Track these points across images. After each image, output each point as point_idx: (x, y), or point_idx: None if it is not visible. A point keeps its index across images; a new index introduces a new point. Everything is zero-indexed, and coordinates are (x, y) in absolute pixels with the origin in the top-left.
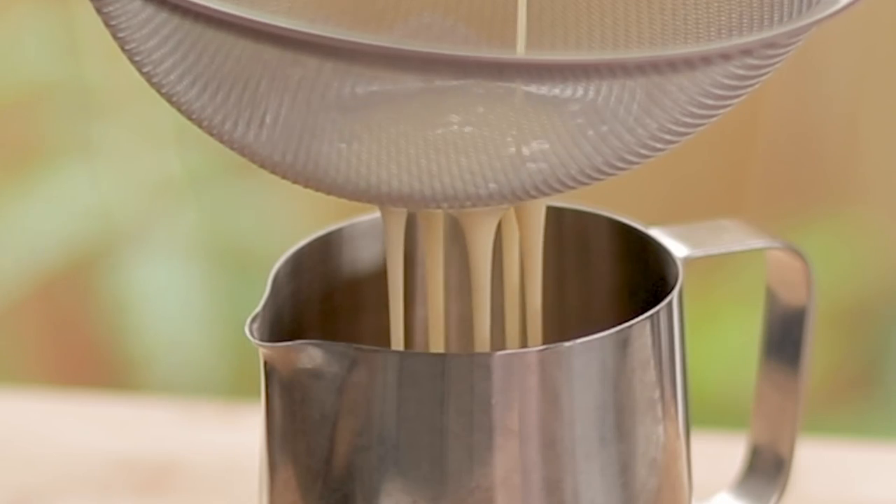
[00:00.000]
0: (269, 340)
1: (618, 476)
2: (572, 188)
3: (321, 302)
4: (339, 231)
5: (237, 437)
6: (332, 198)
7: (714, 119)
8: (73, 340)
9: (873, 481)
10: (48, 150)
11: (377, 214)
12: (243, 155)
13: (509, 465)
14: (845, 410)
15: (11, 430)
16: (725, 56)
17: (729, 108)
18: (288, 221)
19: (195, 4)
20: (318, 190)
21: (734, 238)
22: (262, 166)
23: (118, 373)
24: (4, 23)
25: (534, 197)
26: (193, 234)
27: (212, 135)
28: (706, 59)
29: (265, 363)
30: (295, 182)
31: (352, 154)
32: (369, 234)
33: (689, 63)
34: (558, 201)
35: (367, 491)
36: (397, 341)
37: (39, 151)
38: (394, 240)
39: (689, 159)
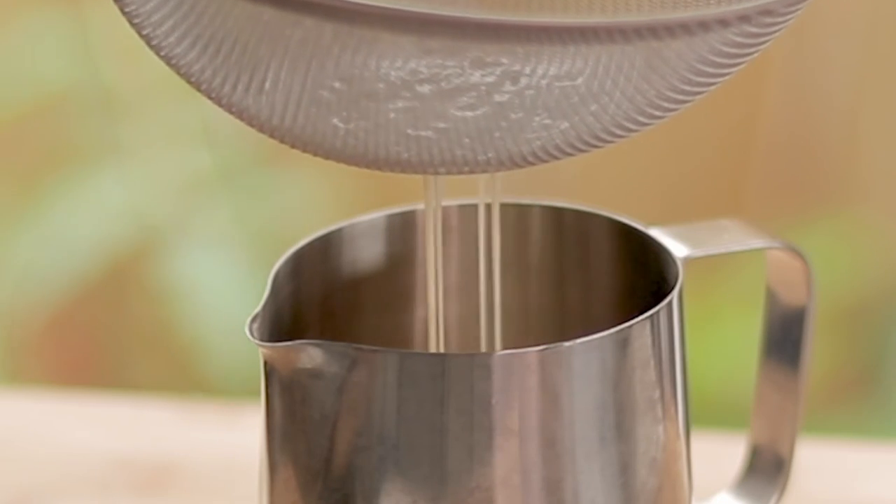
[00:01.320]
0: (269, 340)
1: (618, 476)
2: (571, 155)
3: (321, 302)
4: (339, 231)
5: (237, 437)
6: (360, 182)
7: (712, 87)
8: (112, 342)
9: (873, 481)
10: (78, 154)
11: (377, 214)
12: (241, 118)
13: (509, 465)
14: (845, 410)
15: (11, 430)
16: (723, 22)
17: (727, 77)
18: (320, 205)
19: None
20: (316, 154)
21: (734, 238)
22: (261, 130)
23: (168, 367)
24: (19, 30)
25: (532, 164)
26: (227, 228)
27: (210, 97)
28: (704, 25)
29: (265, 363)
30: (293, 146)
31: (350, 122)
32: (369, 234)
33: (686, 28)
34: (558, 201)
35: (367, 491)
36: (434, 338)
37: (69, 156)
38: (431, 230)
39: (689, 159)
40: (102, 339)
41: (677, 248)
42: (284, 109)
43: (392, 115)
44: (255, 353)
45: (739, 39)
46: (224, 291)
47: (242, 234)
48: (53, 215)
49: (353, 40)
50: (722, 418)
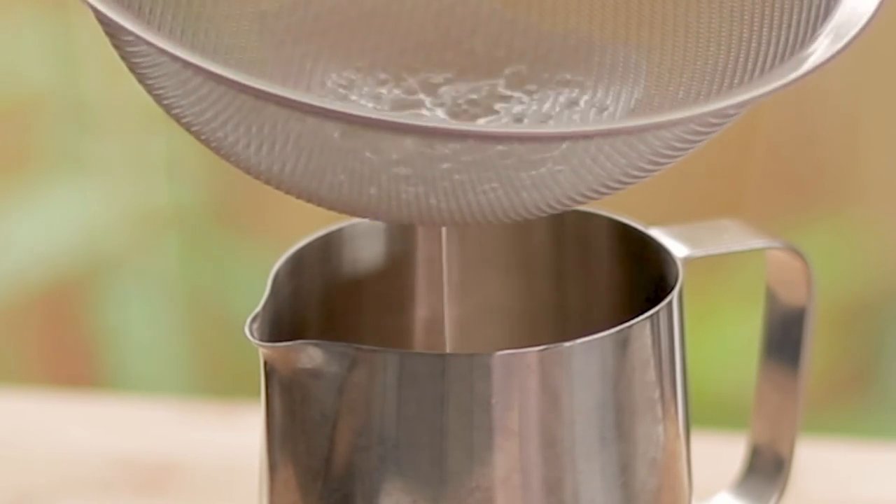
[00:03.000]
0: (269, 340)
1: (618, 476)
2: (523, 218)
3: (321, 302)
4: (339, 231)
5: (237, 437)
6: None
7: (665, 167)
8: (61, 354)
9: (872, 481)
10: (40, 162)
11: None
12: (238, 166)
13: (509, 465)
14: (844, 410)
15: (11, 430)
16: (659, 127)
17: (676, 161)
18: (266, 263)
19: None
20: (309, 201)
21: (734, 238)
22: (257, 177)
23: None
24: (2, 28)
25: (491, 221)
26: (170, 274)
27: (198, 137)
28: (641, 130)
29: (265, 363)
30: (288, 193)
31: (353, 183)
32: (369, 234)
33: (626, 134)
34: None
35: (367, 491)
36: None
37: (31, 162)
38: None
39: (690, 159)
40: (34, 356)
41: (677, 248)
42: (285, 164)
43: (395, 183)
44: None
45: (685, 136)
46: (153, 336)
47: (184, 281)
48: (5, 219)
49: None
50: (722, 418)
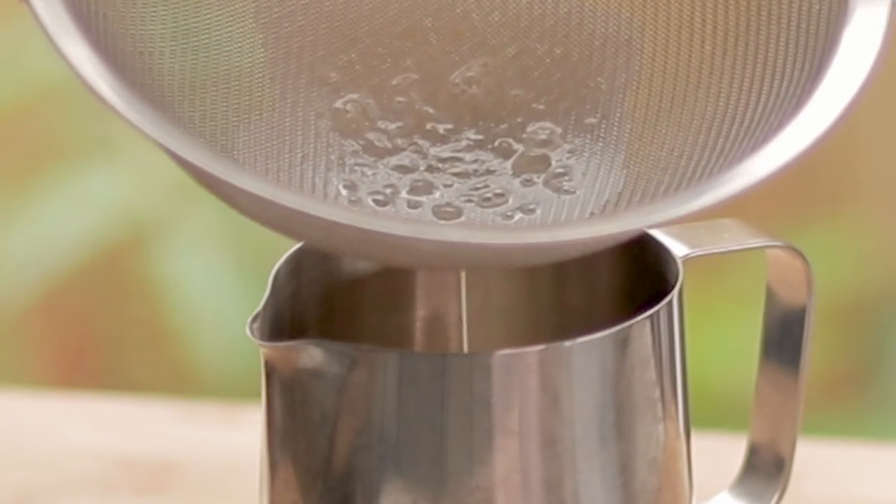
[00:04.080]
0: (270, 340)
1: (618, 476)
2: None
3: (321, 302)
4: None
5: (237, 437)
6: None
7: None
8: (98, 337)
9: (871, 481)
10: (71, 148)
11: None
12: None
13: (509, 465)
14: (843, 410)
15: (11, 430)
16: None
17: None
18: None
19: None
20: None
21: (734, 237)
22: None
23: (150, 365)
24: (14, 24)
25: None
26: (214, 227)
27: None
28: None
29: (266, 363)
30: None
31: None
32: None
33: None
34: None
35: (367, 491)
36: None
37: (63, 149)
38: None
39: None
40: (91, 334)
41: (677, 248)
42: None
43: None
44: (242, 349)
45: None
46: (209, 288)
47: (228, 232)
48: (43, 210)
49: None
50: (722, 418)
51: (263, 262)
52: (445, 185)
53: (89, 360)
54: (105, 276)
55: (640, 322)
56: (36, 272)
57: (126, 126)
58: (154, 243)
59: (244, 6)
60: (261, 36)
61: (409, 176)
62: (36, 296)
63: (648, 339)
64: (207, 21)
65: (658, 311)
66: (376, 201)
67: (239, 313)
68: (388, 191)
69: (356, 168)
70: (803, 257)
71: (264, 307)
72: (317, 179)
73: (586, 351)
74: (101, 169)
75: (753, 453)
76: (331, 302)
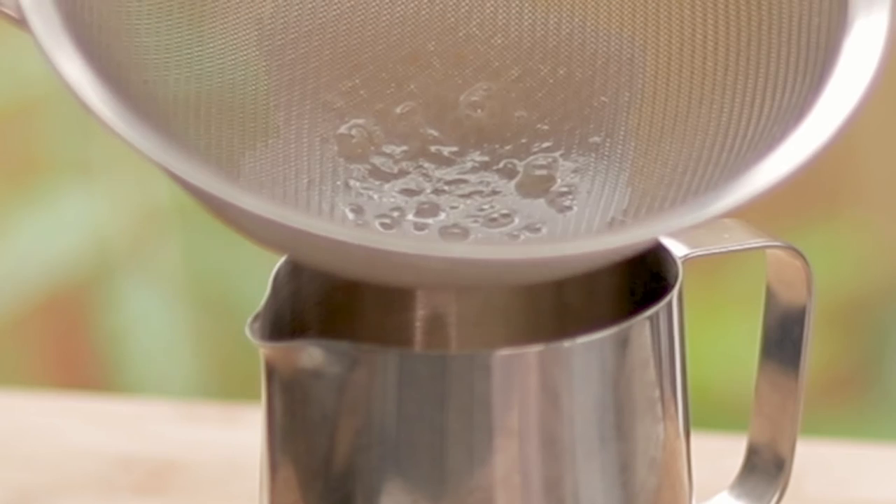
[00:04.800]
0: (270, 340)
1: (617, 475)
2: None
3: (321, 302)
4: None
5: (237, 437)
6: None
7: None
8: (68, 358)
9: (871, 481)
10: (45, 165)
11: None
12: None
13: (509, 465)
14: (843, 410)
15: (11, 430)
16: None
17: None
18: (270, 261)
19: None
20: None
21: (734, 237)
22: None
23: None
24: (4, 35)
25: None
26: (177, 267)
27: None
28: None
29: (266, 363)
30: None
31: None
32: None
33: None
34: None
35: (367, 491)
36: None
37: (36, 165)
38: None
39: None
40: (51, 351)
41: (677, 248)
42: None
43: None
44: (191, 393)
45: None
46: (164, 329)
47: (187, 279)
48: (11, 226)
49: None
50: (722, 418)
51: (219, 310)
52: (451, 207)
53: (87, 364)
54: (63, 300)
55: (640, 322)
56: (8, 287)
57: (132, 151)
58: (115, 274)
59: (247, 34)
60: (265, 63)
61: (415, 198)
62: (9, 311)
63: (648, 340)
64: (211, 49)
65: (658, 312)
66: (383, 224)
67: (199, 354)
68: (395, 213)
69: (362, 192)
70: (803, 257)
71: (264, 307)
72: (323, 204)
73: (586, 351)
74: (76, 191)
75: (753, 453)
76: (331, 302)
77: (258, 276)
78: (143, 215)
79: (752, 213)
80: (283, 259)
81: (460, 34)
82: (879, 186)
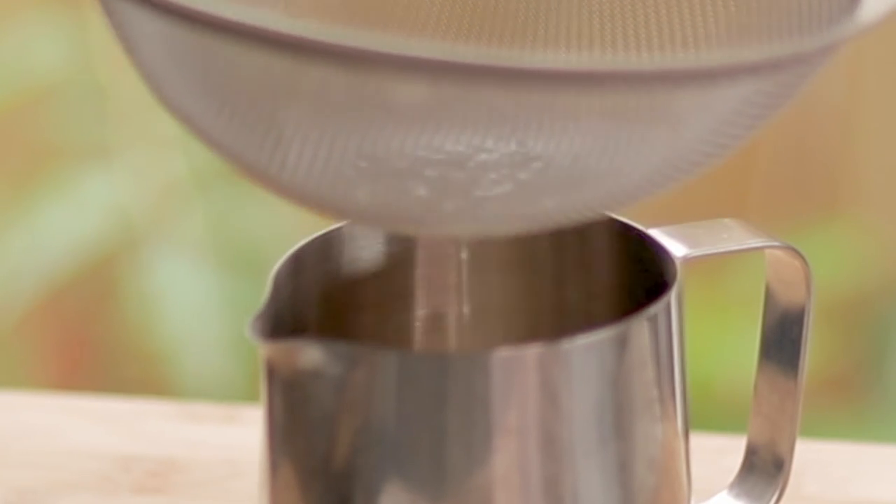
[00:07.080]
0: (270, 339)
1: (616, 475)
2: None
3: (321, 302)
4: (339, 231)
5: (237, 437)
6: None
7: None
8: (93, 340)
9: (870, 481)
10: (65, 149)
11: None
12: (259, 182)
13: (508, 465)
14: (842, 410)
15: (11, 430)
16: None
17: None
18: (290, 219)
19: (197, 12)
20: (331, 216)
21: (733, 238)
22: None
23: (142, 368)
24: (18, 24)
25: (551, 226)
26: (201, 235)
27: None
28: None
29: (266, 363)
30: (310, 209)
31: (374, 197)
32: (369, 234)
33: (708, 77)
34: None
35: (367, 491)
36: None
37: (57, 150)
38: None
39: None
40: (81, 336)
41: (676, 248)
42: (306, 181)
43: (416, 192)
44: (223, 356)
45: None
46: (194, 295)
47: (216, 239)
48: (38, 211)
49: (369, 103)
50: (722, 418)
51: (247, 267)
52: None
53: (76, 362)
54: (95, 279)
55: (639, 322)
56: (26, 272)
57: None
58: (142, 247)
59: None
60: None
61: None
62: (25, 296)
63: (647, 340)
64: None
65: (657, 312)
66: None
67: (229, 317)
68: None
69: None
70: (802, 258)
71: (265, 307)
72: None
73: (585, 351)
74: (96, 171)
75: (752, 453)
76: (331, 302)
77: (279, 234)
78: (164, 189)
79: (753, 213)
80: (283, 259)
81: None
82: (879, 186)
